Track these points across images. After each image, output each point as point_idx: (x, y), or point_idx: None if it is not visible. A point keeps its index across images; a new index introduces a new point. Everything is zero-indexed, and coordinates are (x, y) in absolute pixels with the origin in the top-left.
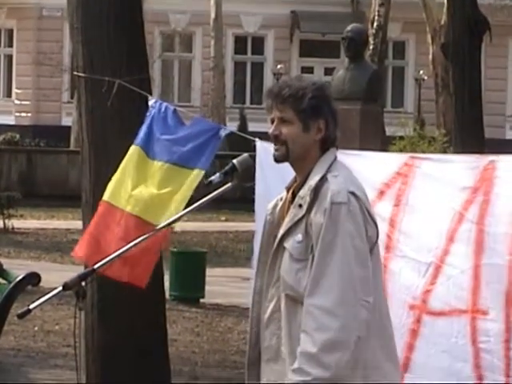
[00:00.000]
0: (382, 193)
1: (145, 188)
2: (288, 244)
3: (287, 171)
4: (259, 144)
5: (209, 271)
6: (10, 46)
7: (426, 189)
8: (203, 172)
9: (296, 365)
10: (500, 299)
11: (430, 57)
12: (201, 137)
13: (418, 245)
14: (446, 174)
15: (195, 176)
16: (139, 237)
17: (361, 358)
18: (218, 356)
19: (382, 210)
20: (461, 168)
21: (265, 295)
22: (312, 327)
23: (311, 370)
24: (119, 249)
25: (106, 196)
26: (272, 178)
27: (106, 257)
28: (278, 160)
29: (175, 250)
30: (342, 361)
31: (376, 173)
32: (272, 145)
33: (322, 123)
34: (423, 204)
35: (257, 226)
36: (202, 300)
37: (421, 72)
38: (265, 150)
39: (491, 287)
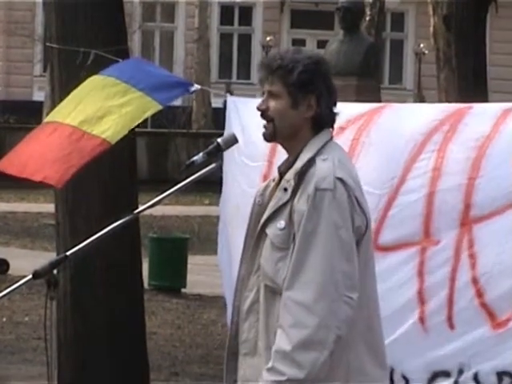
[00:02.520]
0: (342, 128)
1: (91, 102)
2: (270, 231)
3: (258, 133)
4: (230, 100)
5: (191, 259)
6: None
7: (391, 124)
8: (160, 108)
9: (270, 363)
10: (453, 225)
11: (431, 29)
12: (172, 79)
13: (373, 177)
14: (415, 112)
15: (151, 105)
16: (71, 144)
17: (343, 358)
18: (200, 350)
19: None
20: (435, 107)
21: (245, 284)
22: (288, 323)
23: (285, 369)
24: (44, 153)
25: (45, 120)
26: (242, 140)
27: (26, 162)
28: (266, 139)
29: (155, 235)
30: (318, 361)
31: (343, 114)
32: (244, 99)
33: (313, 99)
34: (384, 137)
35: (224, 195)
36: (183, 290)
37: (421, 45)
38: (236, 107)
39: (445, 214)
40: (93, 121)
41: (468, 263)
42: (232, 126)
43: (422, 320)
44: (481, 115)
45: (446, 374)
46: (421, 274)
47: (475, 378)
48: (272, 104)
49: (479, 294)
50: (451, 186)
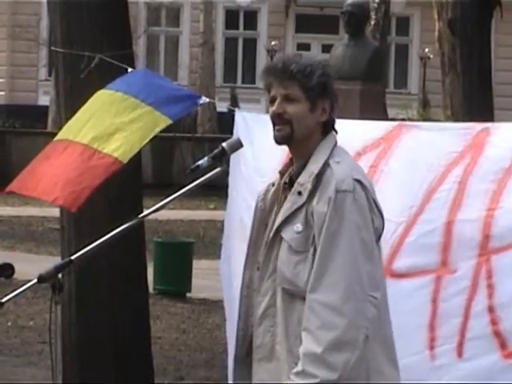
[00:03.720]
0: (359, 154)
1: (101, 119)
2: (286, 234)
3: (267, 148)
4: (238, 114)
5: (196, 263)
6: None
7: (410, 153)
8: (169, 122)
9: (299, 367)
10: (472, 255)
11: (436, 33)
12: (180, 93)
13: (391, 205)
14: (434, 140)
15: (161, 120)
16: (83, 163)
17: (364, 358)
18: (205, 355)
19: None
20: (451, 134)
21: (258, 289)
22: (316, 325)
23: (317, 371)
24: (56, 173)
25: (56, 138)
26: (250, 154)
27: (38, 181)
28: (279, 141)
29: (160, 240)
30: (350, 361)
31: (359, 137)
32: (253, 114)
33: (328, 104)
34: (403, 166)
35: (229, 208)
36: (188, 294)
37: (426, 50)
38: (244, 122)
39: (464, 244)
40: (103, 138)
41: (485, 293)
42: (242, 138)
43: (431, 347)
44: (499, 144)
45: None
46: (434, 301)
47: None
48: (290, 108)
49: (494, 322)
50: (470, 216)
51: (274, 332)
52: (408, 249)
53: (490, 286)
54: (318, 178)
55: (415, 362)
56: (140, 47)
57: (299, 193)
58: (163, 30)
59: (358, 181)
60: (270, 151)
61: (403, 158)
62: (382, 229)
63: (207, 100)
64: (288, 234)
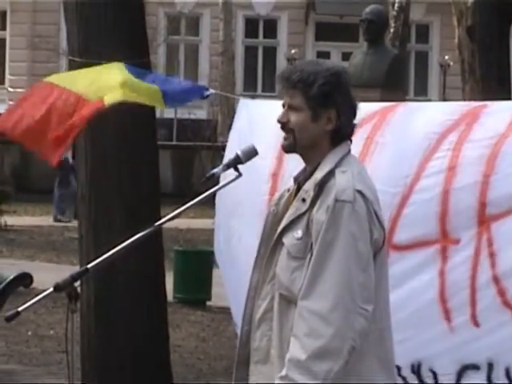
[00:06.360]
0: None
1: (102, 75)
2: (287, 240)
3: (267, 133)
4: (242, 101)
5: (216, 272)
6: (3, 28)
7: (404, 122)
8: (163, 105)
9: (283, 371)
10: (471, 224)
11: (456, 41)
12: (187, 84)
13: (386, 175)
14: (429, 110)
15: (156, 99)
16: (70, 109)
17: (354, 370)
18: (225, 363)
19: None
20: (449, 106)
21: (258, 292)
22: (303, 332)
23: (299, 378)
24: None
25: (50, 78)
26: (249, 138)
27: (20, 122)
28: (285, 150)
29: (180, 248)
30: (332, 371)
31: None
32: (255, 101)
33: (333, 113)
34: (398, 136)
35: (221, 194)
36: (208, 303)
37: (446, 57)
38: (246, 106)
39: (461, 212)
40: (97, 89)
41: (488, 262)
42: (240, 123)
43: (448, 319)
44: (496, 114)
45: (475, 368)
46: (442, 273)
47: (507, 373)
48: (293, 117)
49: (501, 292)
50: (466, 184)
51: (271, 336)
52: (406, 220)
53: (492, 255)
54: (322, 186)
55: (436, 336)
56: (160, 56)
57: (303, 199)
58: (183, 38)
59: (360, 191)
60: (268, 133)
61: (397, 128)
62: (383, 241)
63: (213, 91)
64: (288, 239)
